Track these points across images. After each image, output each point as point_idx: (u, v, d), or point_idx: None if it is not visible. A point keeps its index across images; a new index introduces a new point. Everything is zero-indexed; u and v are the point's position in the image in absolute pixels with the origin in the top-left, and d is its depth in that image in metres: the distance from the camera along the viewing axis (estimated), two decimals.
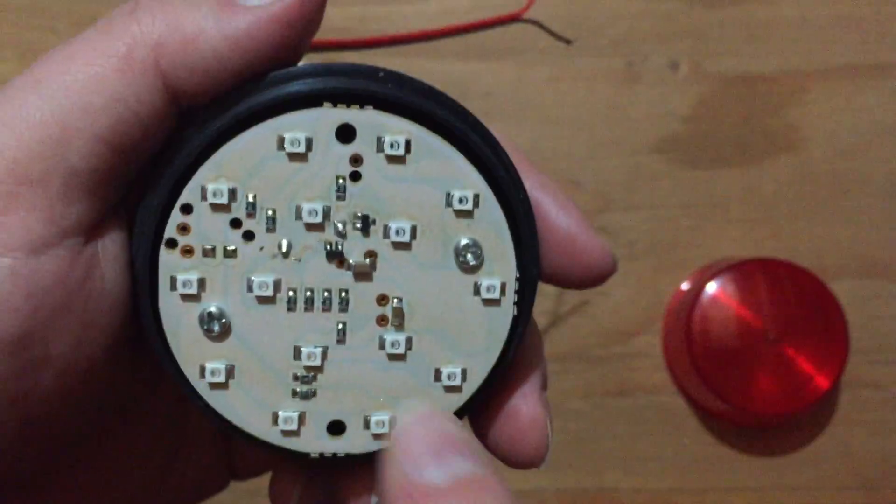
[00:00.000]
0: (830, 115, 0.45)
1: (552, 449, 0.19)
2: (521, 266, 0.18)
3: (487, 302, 0.18)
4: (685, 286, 0.43)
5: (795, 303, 0.41)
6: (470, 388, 0.19)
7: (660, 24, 0.45)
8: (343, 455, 0.19)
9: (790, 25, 0.45)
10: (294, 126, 0.17)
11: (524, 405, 0.19)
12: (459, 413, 0.19)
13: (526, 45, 0.44)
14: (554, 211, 0.19)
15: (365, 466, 0.19)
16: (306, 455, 0.19)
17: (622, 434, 0.43)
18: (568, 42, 0.44)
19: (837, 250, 0.44)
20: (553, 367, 0.43)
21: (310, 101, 0.17)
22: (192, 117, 0.17)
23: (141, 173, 0.17)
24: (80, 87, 0.16)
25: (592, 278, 0.19)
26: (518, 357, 0.19)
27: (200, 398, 0.18)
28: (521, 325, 0.19)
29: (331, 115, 0.17)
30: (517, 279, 0.18)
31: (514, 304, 0.18)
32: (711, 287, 0.41)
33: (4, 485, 0.18)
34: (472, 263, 0.18)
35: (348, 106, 0.17)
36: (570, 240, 0.19)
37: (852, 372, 0.43)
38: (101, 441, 0.20)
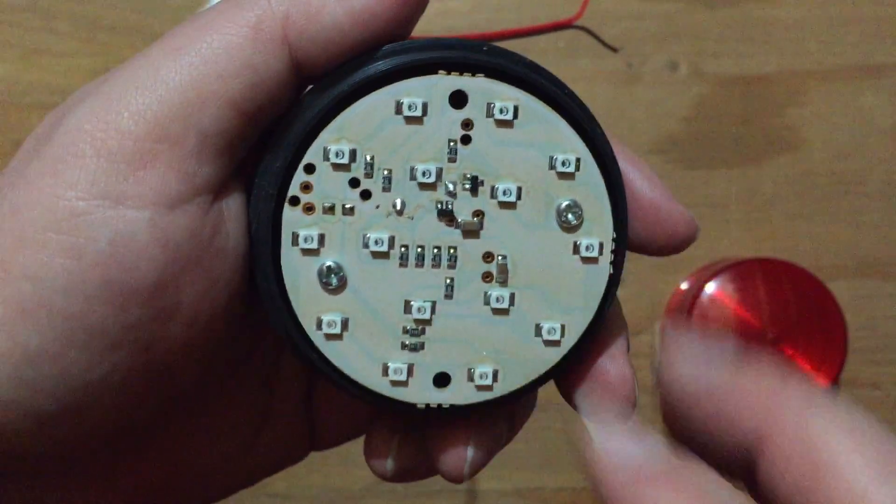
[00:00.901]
0: (829, 115, 0.45)
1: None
2: (617, 227, 0.19)
3: (586, 260, 0.19)
4: (684, 286, 0.44)
5: (794, 303, 0.41)
6: (568, 343, 0.19)
7: (659, 24, 0.45)
8: (448, 406, 0.19)
9: (789, 26, 0.45)
10: (411, 92, 0.18)
11: (612, 365, 0.20)
12: (559, 366, 0.20)
13: (526, 45, 0.45)
14: (639, 181, 0.20)
15: (464, 419, 0.20)
16: (413, 406, 0.19)
17: None
18: (615, 50, 0.44)
19: (836, 250, 0.44)
20: None
21: (426, 69, 0.18)
22: (312, 86, 0.19)
23: (262, 135, 0.19)
24: (214, 54, 0.17)
25: (675, 244, 0.20)
26: (606, 319, 0.20)
27: (316, 349, 0.19)
28: (616, 285, 0.20)
29: (445, 82, 0.18)
30: (613, 240, 0.19)
31: (610, 263, 0.19)
32: (711, 287, 0.41)
33: (121, 435, 0.19)
34: (572, 223, 0.19)
35: (461, 74, 0.18)
36: (655, 208, 0.20)
37: (851, 372, 0.43)
38: (203, 403, 0.21)
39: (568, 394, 0.20)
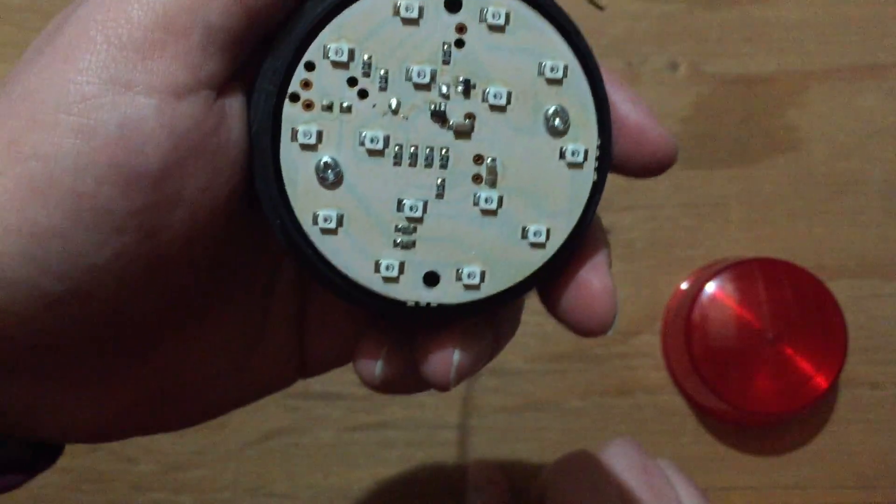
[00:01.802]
0: (829, 115, 0.45)
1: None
2: (601, 135, 0.20)
3: (571, 165, 0.20)
4: (684, 286, 0.44)
5: (794, 302, 0.41)
6: (552, 247, 0.20)
7: (659, 25, 0.45)
8: (436, 305, 0.20)
9: (789, 26, 0.45)
10: None
11: (595, 276, 0.21)
12: (543, 269, 0.20)
13: None
14: (623, 102, 0.21)
15: (451, 324, 0.21)
16: (402, 303, 0.20)
17: (622, 433, 0.43)
18: (601, 8, 0.44)
19: (836, 250, 0.44)
20: (553, 366, 0.43)
21: None
22: None
23: (263, 40, 0.19)
24: None
25: (656, 164, 0.21)
26: (588, 233, 0.21)
27: (310, 244, 0.19)
28: (599, 192, 0.20)
29: None
30: (598, 147, 0.20)
31: (595, 169, 0.20)
32: (711, 287, 0.41)
33: (123, 330, 0.20)
34: (559, 129, 0.20)
35: None
36: (638, 128, 0.21)
37: (851, 371, 0.43)
38: (202, 308, 0.22)
39: (552, 304, 0.21)
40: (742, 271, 0.41)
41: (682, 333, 0.41)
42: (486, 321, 0.21)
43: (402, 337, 0.22)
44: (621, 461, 0.35)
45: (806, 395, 0.41)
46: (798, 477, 0.44)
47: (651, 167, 0.21)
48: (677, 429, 0.44)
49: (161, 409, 0.23)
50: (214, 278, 0.21)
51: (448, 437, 0.43)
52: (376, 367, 0.21)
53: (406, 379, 0.22)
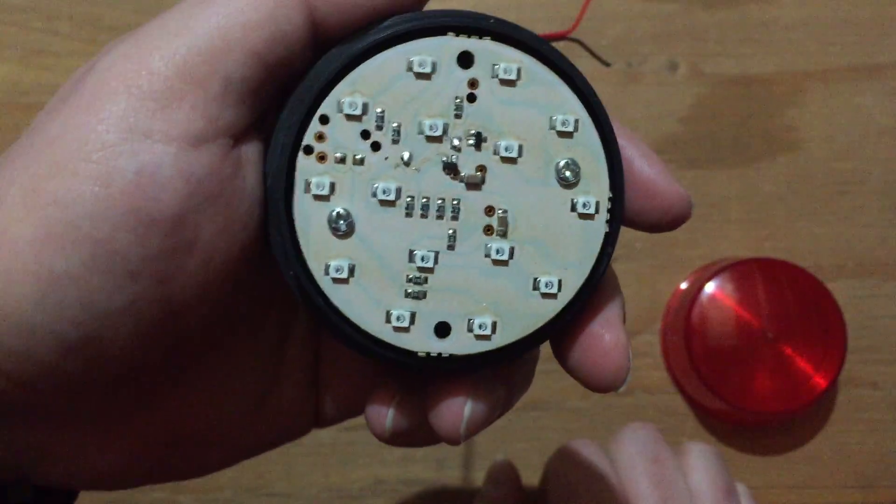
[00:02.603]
0: (829, 115, 0.45)
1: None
2: (612, 188, 0.20)
3: (583, 217, 0.20)
4: (684, 286, 0.44)
5: (794, 302, 0.41)
6: (564, 298, 0.20)
7: (659, 25, 0.45)
8: (447, 355, 0.20)
9: (788, 27, 0.45)
10: (421, 51, 0.19)
11: (607, 330, 0.20)
12: (555, 321, 0.20)
13: None
14: (637, 157, 0.21)
15: (462, 375, 0.21)
16: (414, 354, 0.20)
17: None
18: (607, 65, 0.44)
19: (835, 250, 0.44)
20: (553, 366, 0.43)
21: (436, 31, 0.19)
22: (330, 47, 0.20)
23: (280, 92, 0.20)
24: (240, 5, 0.18)
25: (669, 220, 0.21)
26: (600, 286, 0.21)
27: (322, 294, 0.20)
28: (611, 245, 0.20)
29: (453, 43, 0.20)
30: (609, 199, 0.20)
31: (606, 221, 0.20)
32: (710, 287, 0.41)
33: (134, 377, 0.20)
34: (570, 180, 0.20)
35: (469, 36, 0.20)
36: (651, 183, 0.21)
37: (850, 371, 0.43)
38: (216, 355, 0.22)
39: (563, 358, 0.21)
40: (742, 271, 0.41)
41: (681, 333, 0.41)
42: (499, 373, 0.21)
43: (415, 389, 0.22)
44: (630, 448, 0.34)
45: (805, 394, 0.41)
46: (797, 477, 0.44)
47: (664, 223, 0.21)
48: (677, 429, 0.44)
49: (172, 457, 0.23)
50: (228, 327, 0.21)
51: None
52: (387, 419, 0.21)
53: (417, 432, 0.22)
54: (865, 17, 0.45)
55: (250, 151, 0.19)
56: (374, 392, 0.22)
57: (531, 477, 0.43)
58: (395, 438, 0.22)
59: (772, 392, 0.41)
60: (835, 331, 0.41)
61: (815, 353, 0.41)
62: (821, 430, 0.44)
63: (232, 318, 0.21)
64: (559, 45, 0.44)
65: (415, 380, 0.22)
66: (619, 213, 0.20)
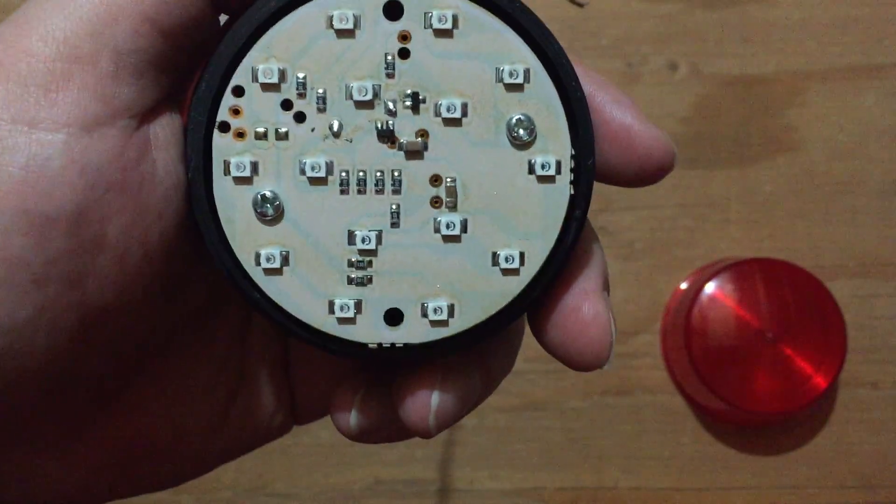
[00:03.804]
0: (828, 116, 0.45)
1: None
2: (575, 144, 0.18)
3: (542, 179, 0.18)
4: (684, 286, 0.44)
5: (793, 302, 0.41)
6: (529, 272, 0.18)
7: (659, 25, 0.45)
8: (401, 345, 0.18)
9: (788, 27, 0.45)
10: (342, 3, 0.17)
11: (585, 301, 0.18)
12: (521, 299, 0.18)
13: None
14: (608, 103, 0.18)
15: (424, 360, 0.19)
16: (363, 346, 0.18)
17: (621, 433, 0.43)
18: (580, 5, 0.44)
19: (835, 250, 0.44)
20: (553, 366, 0.43)
21: None
22: (238, 10, 0.18)
23: (192, 65, 0.18)
24: None
25: (650, 171, 0.19)
26: (577, 253, 0.19)
27: (256, 287, 0.18)
28: (579, 208, 0.18)
29: None
30: (572, 156, 0.18)
31: (570, 183, 0.18)
32: (710, 287, 0.41)
33: (67, 393, 0.18)
34: (524, 139, 0.18)
35: None
36: (625, 130, 0.18)
37: (850, 371, 0.43)
38: (163, 362, 0.20)
39: (539, 335, 0.19)
40: (741, 271, 0.41)
41: (681, 333, 0.41)
42: (472, 358, 0.19)
43: (383, 380, 0.20)
44: None
45: (805, 394, 0.41)
46: (797, 477, 0.44)
47: (645, 173, 0.19)
48: (677, 429, 0.44)
49: (137, 468, 0.21)
50: (170, 325, 0.20)
51: (448, 437, 0.43)
52: (351, 417, 0.20)
53: (388, 427, 0.20)
54: (865, 17, 0.45)
55: (161, 131, 0.17)
56: (336, 389, 0.20)
57: (531, 477, 0.43)
58: (364, 436, 0.20)
59: (772, 392, 0.41)
60: (835, 331, 0.41)
61: (815, 353, 0.41)
62: (821, 431, 0.44)
63: (176, 316, 0.20)
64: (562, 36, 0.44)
65: (383, 369, 0.20)
66: (588, 172, 0.18)
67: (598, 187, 0.19)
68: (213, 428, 0.21)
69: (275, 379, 0.22)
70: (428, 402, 0.18)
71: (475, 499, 0.43)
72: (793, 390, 0.41)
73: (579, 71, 0.18)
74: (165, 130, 0.17)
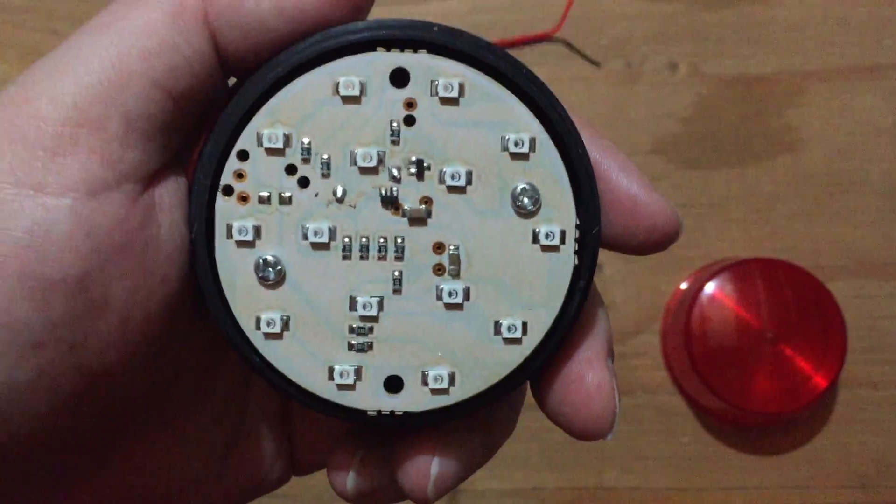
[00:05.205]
0: (828, 116, 0.45)
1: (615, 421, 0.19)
2: (580, 214, 0.18)
3: (546, 249, 0.18)
4: (684, 286, 0.44)
5: (794, 302, 0.41)
6: (531, 342, 0.18)
7: (659, 25, 0.45)
8: (401, 413, 0.18)
9: (788, 27, 0.45)
10: (348, 70, 0.17)
11: (589, 370, 0.18)
12: (522, 369, 0.18)
13: (525, 45, 0.45)
14: (615, 171, 0.18)
15: (424, 427, 0.19)
16: (363, 413, 0.18)
17: (621, 433, 0.43)
18: (597, 64, 0.44)
19: (835, 250, 0.44)
20: None
21: (363, 46, 0.17)
22: (246, 74, 0.18)
23: (198, 128, 0.18)
24: (135, 32, 0.16)
25: (655, 241, 0.18)
26: (580, 321, 0.18)
27: (255, 351, 0.18)
28: (584, 278, 0.18)
29: (384, 59, 0.17)
30: (577, 226, 0.18)
31: (575, 253, 0.18)
32: (710, 287, 0.41)
33: (63, 450, 0.18)
34: (529, 208, 0.18)
35: (402, 50, 0.17)
36: (632, 199, 0.18)
37: (850, 371, 0.43)
38: (160, 418, 0.20)
39: (542, 403, 0.19)
40: (741, 271, 0.41)
41: (681, 333, 0.41)
42: (473, 422, 0.19)
43: (382, 441, 0.20)
44: None
45: (805, 395, 0.41)
46: (797, 477, 0.44)
47: (650, 243, 0.18)
48: (677, 429, 0.44)
49: None
50: (170, 384, 0.20)
51: None
52: (348, 480, 0.19)
53: (385, 490, 0.19)
54: (865, 17, 0.45)
55: (166, 194, 0.17)
56: (334, 449, 0.20)
57: (531, 477, 0.43)
58: (361, 499, 0.20)
59: (772, 392, 0.41)
60: (835, 331, 0.41)
61: (815, 353, 0.41)
62: (821, 430, 0.44)
63: (176, 372, 0.20)
64: (543, 47, 0.44)
65: (378, 432, 0.20)
66: (593, 242, 0.18)
67: None
68: (209, 481, 0.21)
69: (273, 431, 0.22)
70: (427, 468, 0.18)
71: (475, 499, 0.43)
72: (793, 390, 0.41)
73: (585, 136, 0.18)
74: (170, 193, 0.17)
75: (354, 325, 0.18)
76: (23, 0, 0.45)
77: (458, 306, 0.18)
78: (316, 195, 0.17)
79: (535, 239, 0.18)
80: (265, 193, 0.17)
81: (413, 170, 0.17)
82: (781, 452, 0.44)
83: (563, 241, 0.18)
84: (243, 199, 0.17)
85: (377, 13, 0.18)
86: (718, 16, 0.45)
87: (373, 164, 0.17)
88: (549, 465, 0.43)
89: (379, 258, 0.18)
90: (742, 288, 0.41)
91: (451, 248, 0.18)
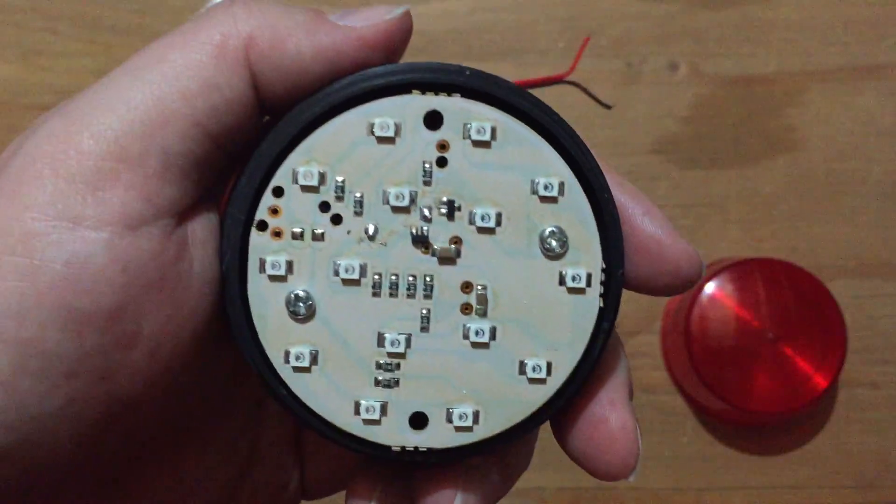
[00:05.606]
0: (828, 116, 0.45)
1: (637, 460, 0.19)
2: (606, 257, 0.18)
3: (572, 291, 0.18)
4: None
5: (793, 302, 0.41)
6: (555, 382, 0.18)
7: (659, 25, 0.45)
8: (425, 449, 0.18)
9: (788, 27, 0.45)
10: (383, 112, 0.18)
11: (612, 412, 0.19)
12: (546, 408, 0.18)
13: (525, 45, 0.45)
14: (639, 215, 0.19)
15: (453, 466, 0.19)
16: (387, 448, 0.18)
17: None
18: (608, 107, 0.44)
19: (835, 250, 0.44)
20: None
21: (399, 88, 0.18)
22: (288, 111, 0.18)
23: (231, 164, 0.18)
24: (177, 72, 0.17)
25: (678, 283, 0.19)
26: (603, 362, 0.19)
27: (283, 384, 0.18)
28: (608, 320, 0.18)
29: (419, 102, 0.18)
30: (603, 270, 0.18)
31: (600, 295, 0.18)
32: (710, 287, 0.41)
33: (84, 477, 0.18)
34: (556, 251, 0.18)
35: (436, 94, 0.18)
36: (656, 243, 0.19)
37: (850, 371, 0.43)
38: (177, 445, 0.20)
39: (563, 442, 0.19)
40: (741, 271, 0.41)
41: (681, 333, 0.41)
42: (493, 459, 0.20)
43: (401, 475, 0.20)
44: None
45: (805, 394, 0.41)
46: (797, 477, 0.44)
47: (673, 287, 0.19)
48: (677, 429, 0.44)
49: None
50: (190, 412, 0.20)
51: None
52: None
53: None
54: (865, 17, 0.45)
55: (199, 229, 0.17)
56: (354, 481, 0.20)
57: (531, 477, 0.43)
58: None
59: (772, 392, 0.41)
60: (835, 331, 0.41)
61: (815, 353, 0.41)
62: (821, 430, 0.44)
63: (192, 401, 0.20)
64: (555, 90, 0.44)
65: (399, 466, 0.20)
66: (617, 285, 0.18)
67: None
68: (222, 503, 0.21)
69: (286, 457, 0.22)
70: (451, 503, 0.19)
71: None
72: (793, 390, 0.41)
73: (611, 180, 0.18)
74: (202, 227, 0.18)
75: (382, 361, 0.18)
76: (23, 0, 0.45)
77: (485, 345, 0.18)
78: (348, 232, 0.18)
79: (562, 281, 0.18)
80: (298, 229, 0.18)
81: (444, 210, 0.18)
82: (781, 452, 0.44)
83: (588, 283, 0.18)
84: (277, 234, 0.18)
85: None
86: (718, 16, 0.45)
87: (405, 203, 0.18)
88: (550, 465, 0.43)
89: (408, 296, 0.18)
90: (742, 288, 0.41)
91: (479, 287, 0.18)
